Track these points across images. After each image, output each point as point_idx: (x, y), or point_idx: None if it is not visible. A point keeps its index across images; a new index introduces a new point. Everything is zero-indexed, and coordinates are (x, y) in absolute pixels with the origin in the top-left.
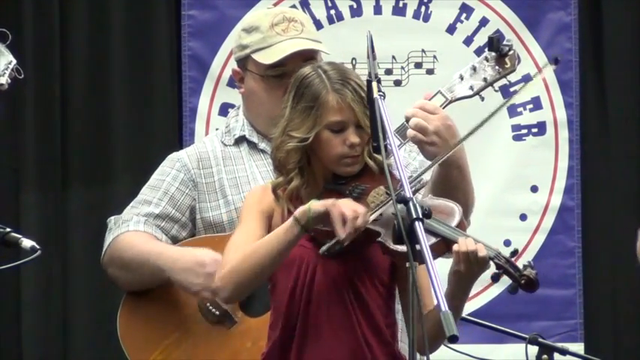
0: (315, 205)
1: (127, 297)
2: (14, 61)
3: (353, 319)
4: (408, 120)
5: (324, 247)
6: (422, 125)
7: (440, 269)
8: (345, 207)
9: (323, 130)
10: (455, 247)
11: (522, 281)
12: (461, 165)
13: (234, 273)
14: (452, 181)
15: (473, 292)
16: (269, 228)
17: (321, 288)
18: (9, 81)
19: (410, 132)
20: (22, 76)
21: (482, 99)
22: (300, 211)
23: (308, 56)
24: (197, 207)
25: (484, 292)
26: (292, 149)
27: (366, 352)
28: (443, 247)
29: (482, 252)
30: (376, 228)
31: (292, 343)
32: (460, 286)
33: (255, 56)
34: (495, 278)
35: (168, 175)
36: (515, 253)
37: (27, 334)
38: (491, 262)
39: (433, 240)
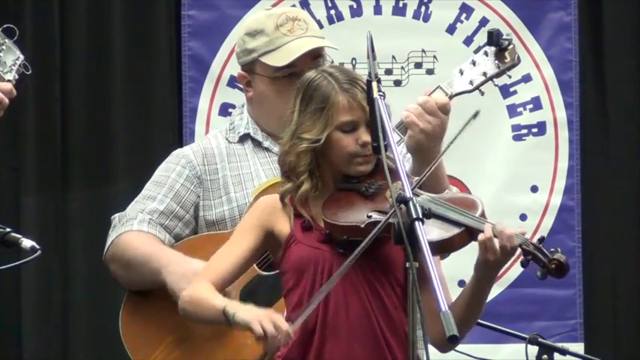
0: (240, 315)
1: (128, 296)
2: (22, 57)
3: (372, 318)
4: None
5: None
6: (420, 111)
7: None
8: (268, 326)
9: (334, 130)
10: (481, 237)
11: (552, 266)
12: (439, 162)
13: (186, 305)
14: (430, 176)
15: None
16: (268, 241)
17: (338, 288)
18: (17, 77)
19: (404, 113)
20: (30, 71)
21: (482, 93)
22: (229, 309)
23: (317, 54)
24: (201, 204)
25: None
26: (303, 151)
27: (385, 351)
28: (466, 237)
29: (514, 241)
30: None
31: (311, 345)
32: (487, 275)
33: (264, 59)
34: (524, 264)
35: (173, 171)
36: (542, 239)
37: (27, 334)
38: (519, 249)
39: (457, 230)
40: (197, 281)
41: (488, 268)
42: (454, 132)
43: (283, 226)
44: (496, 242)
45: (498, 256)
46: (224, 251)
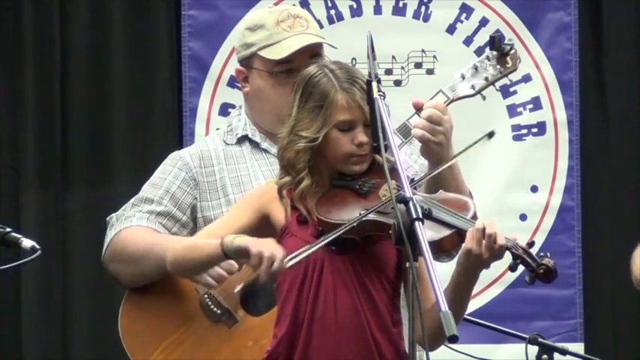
0: (240, 239)
1: (128, 296)
2: None
3: (361, 315)
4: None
5: (240, 286)
6: (432, 127)
7: (440, 269)
8: (266, 248)
9: (331, 129)
10: (470, 230)
11: (541, 271)
12: (451, 164)
13: (175, 253)
14: (442, 180)
15: (473, 292)
16: (263, 225)
17: (328, 285)
18: None
19: (416, 131)
20: None
21: (484, 98)
22: (227, 237)
23: (315, 52)
24: (198, 206)
25: (484, 292)
26: (302, 149)
27: (373, 350)
28: (456, 238)
29: (502, 240)
30: (388, 220)
31: (299, 340)
32: (467, 269)
33: (262, 53)
34: (513, 268)
35: (170, 173)
36: (532, 244)
37: (27, 334)
38: (508, 252)
39: (447, 232)
40: (199, 234)
41: (470, 261)
42: (455, 130)
43: (280, 215)
44: (483, 241)
45: (483, 252)
46: (219, 223)
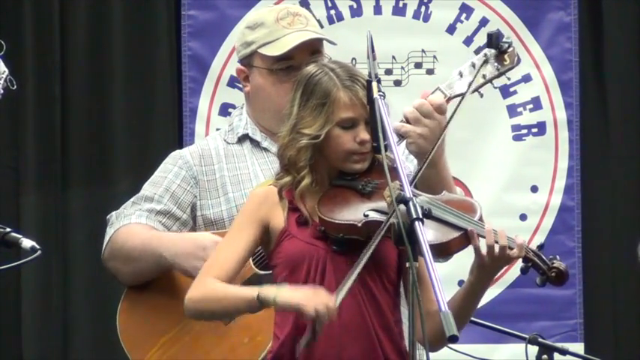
0: (283, 296)
1: (126, 294)
2: (7, 71)
3: (365, 315)
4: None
5: (302, 343)
6: (416, 116)
7: (440, 269)
8: (318, 302)
9: (334, 126)
10: (481, 242)
11: (552, 274)
12: (437, 165)
13: (201, 303)
14: (427, 180)
15: None
16: (264, 235)
17: (331, 285)
18: (1, 91)
19: (405, 112)
20: (15, 87)
21: (482, 95)
22: (266, 293)
23: (315, 48)
24: (198, 204)
25: None
26: (304, 147)
27: (378, 349)
28: (464, 241)
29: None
30: (393, 221)
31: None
32: (481, 280)
33: (262, 50)
34: (524, 271)
35: (170, 172)
36: (542, 246)
37: (27, 334)
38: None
39: (455, 234)
40: (203, 278)
41: (483, 272)
42: (455, 131)
43: (278, 219)
44: (496, 248)
45: (496, 262)
46: (225, 246)
